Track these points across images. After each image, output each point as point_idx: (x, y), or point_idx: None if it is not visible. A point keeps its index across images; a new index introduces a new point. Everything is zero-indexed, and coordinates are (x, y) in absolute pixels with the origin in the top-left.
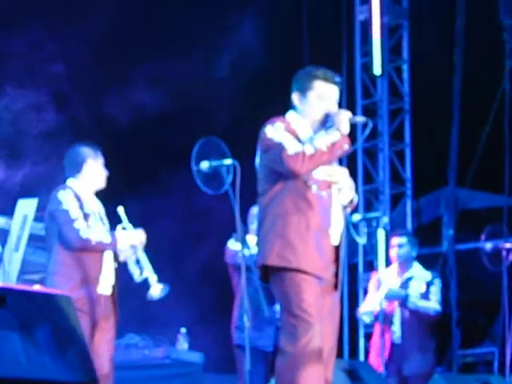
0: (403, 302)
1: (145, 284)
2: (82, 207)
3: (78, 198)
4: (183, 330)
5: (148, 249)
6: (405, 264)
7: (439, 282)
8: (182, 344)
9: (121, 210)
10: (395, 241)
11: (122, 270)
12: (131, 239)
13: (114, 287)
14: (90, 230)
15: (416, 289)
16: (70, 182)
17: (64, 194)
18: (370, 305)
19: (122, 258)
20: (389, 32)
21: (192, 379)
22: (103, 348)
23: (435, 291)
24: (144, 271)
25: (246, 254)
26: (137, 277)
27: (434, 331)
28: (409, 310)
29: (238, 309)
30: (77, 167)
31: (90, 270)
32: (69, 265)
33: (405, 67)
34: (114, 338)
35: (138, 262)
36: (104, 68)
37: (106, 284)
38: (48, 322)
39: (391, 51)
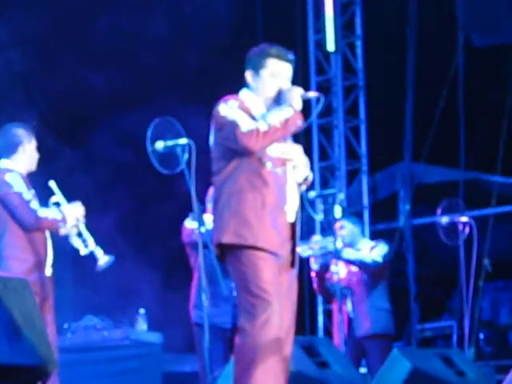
0: (336, 253)
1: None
2: (28, 188)
3: (24, 180)
4: (142, 310)
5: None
6: (352, 243)
7: (384, 245)
8: (141, 325)
9: (53, 183)
10: (336, 225)
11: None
12: (75, 212)
13: (52, 267)
14: (44, 209)
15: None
16: (4, 162)
17: (12, 176)
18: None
19: (63, 232)
20: (341, 8)
21: (152, 359)
22: (49, 329)
23: (377, 249)
24: (89, 244)
25: (203, 231)
26: (82, 250)
27: (385, 292)
28: (345, 264)
29: (195, 287)
30: (12, 148)
31: (41, 253)
32: (22, 248)
33: (358, 43)
34: (54, 319)
35: (80, 235)
36: None
37: (48, 265)
38: (5, 306)
39: (344, 27)
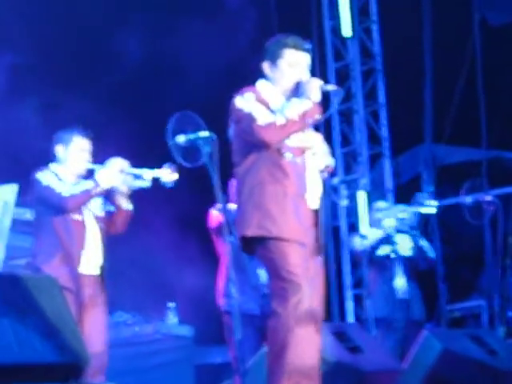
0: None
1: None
2: (60, 179)
3: (56, 175)
4: (172, 304)
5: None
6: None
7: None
8: (172, 318)
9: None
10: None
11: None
12: (113, 167)
13: (102, 268)
14: (69, 187)
15: None
16: (51, 166)
17: (41, 174)
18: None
19: (124, 189)
20: None
21: (183, 353)
22: (94, 328)
23: (371, 235)
24: (145, 178)
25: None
26: (145, 183)
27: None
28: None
29: (223, 275)
30: (54, 152)
31: (71, 248)
32: (49, 243)
33: (374, 27)
34: (105, 318)
35: (137, 177)
36: None
37: (90, 264)
38: (35, 305)
39: (360, 12)
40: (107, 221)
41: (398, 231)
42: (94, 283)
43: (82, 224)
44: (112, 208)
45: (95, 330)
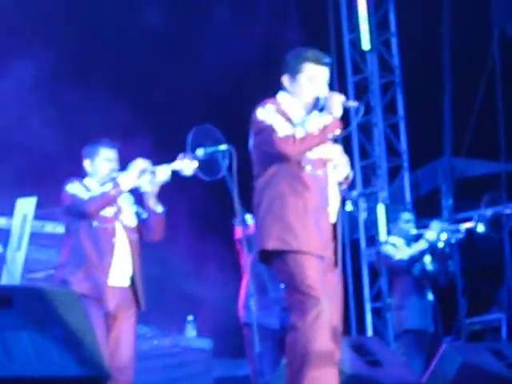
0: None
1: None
2: (88, 190)
3: (85, 186)
4: (190, 317)
5: None
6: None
7: (425, 243)
8: (190, 332)
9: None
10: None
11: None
12: (133, 169)
13: (132, 279)
14: (88, 192)
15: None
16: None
17: (70, 185)
18: None
19: (148, 189)
20: (375, 6)
21: (202, 366)
22: (122, 341)
23: (414, 246)
24: (159, 174)
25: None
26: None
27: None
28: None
29: (245, 287)
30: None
31: (98, 257)
32: (76, 254)
33: (393, 40)
34: (134, 330)
35: (155, 173)
36: None
37: (119, 275)
38: (55, 318)
39: (378, 25)
40: (142, 229)
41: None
42: (123, 295)
43: (110, 233)
44: (145, 215)
45: (123, 343)
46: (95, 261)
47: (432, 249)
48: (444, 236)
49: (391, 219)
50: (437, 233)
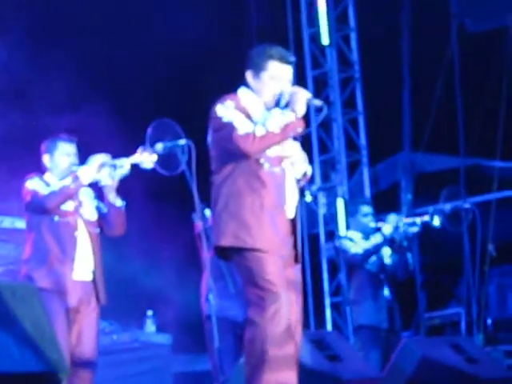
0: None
1: None
2: (48, 185)
3: (45, 182)
4: (150, 312)
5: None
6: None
7: (381, 237)
8: (150, 327)
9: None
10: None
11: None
12: (93, 163)
13: (94, 273)
14: (47, 187)
15: None
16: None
17: (30, 181)
18: None
19: (108, 183)
20: (334, 1)
21: (162, 361)
22: (85, 334)
23: (370, 240)
24: (124, 166)
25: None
26: (125, 170)
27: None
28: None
29: (206, 281)
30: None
31: (61, 251)
32: (39, 249)
33: (352, 35)
34: (97, 324)
35: (115, 166)
36: None
37: (81, 269)
38: (14, 313)
39: (338, 20)
40: (103, 223)
41: (391, 239)
42: (86, 289)
43: (72, 227)
44: (105, 209)
45: (85, 338)
46: (58, 255)
47: (390, 242)
48: (400, 229)
49: (350, 213)
50: (393, 226)
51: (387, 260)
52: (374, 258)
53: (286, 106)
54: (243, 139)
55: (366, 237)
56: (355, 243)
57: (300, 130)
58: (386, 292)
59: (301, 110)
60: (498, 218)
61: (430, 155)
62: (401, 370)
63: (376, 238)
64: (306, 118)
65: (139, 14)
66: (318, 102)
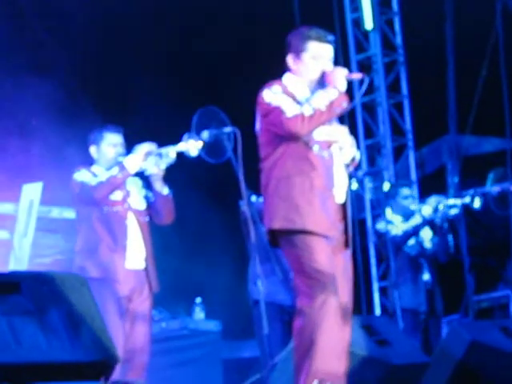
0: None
1: None
2: (95, 176)
3: (92, 173)
4: (198, 299)
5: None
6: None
7: (420, 218)
8: (199, 314)
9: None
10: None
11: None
12: (139, 152)
13: (146, 261)
14: (95, 178)
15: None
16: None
17: (77, 174)
18: None
19: (154, 171)
20: None
21: (211, 348)
22: (138, 322)
23: (409, 222)
24: (169, 154)
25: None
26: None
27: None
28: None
29: (254, 266)
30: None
31: (113, 240)
32: (89, 241)
33: (396, 19)
34: (150, 313)
35: (161, 155)
36: None
37: (134, 258)
38: (63, 303)
39: (381, 4)
40: (151, 212)
41: (431, 221)
42: (138, 277)
43: (122, 216)
44: (153, 198)
45: (138, 326)
46: (110, 245)
47: (430, 224)
48: (440, 211)
49: (390, 195)
50: (432, 207)
51: (427, 244)
52: (412, 242)
53: (327, 86)
54: (292, 121)
55: (407, 219)
56: (395, 226)
57: (345, 105)
58: (427, 276)
59: (342, 85)
60: None
61: (476, 137)
62: (450, 354)
63: (415, 219)
64: (349, 96)
65: None
66: (357, 75)
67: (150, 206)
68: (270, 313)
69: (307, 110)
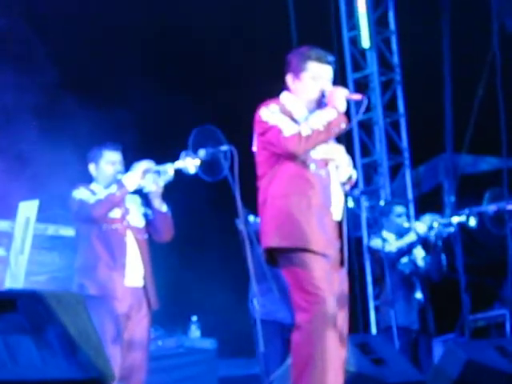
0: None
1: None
2: (94, 194)
3: (91, 191)
4: (194, 317)
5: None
6: None
7: (414, 235)
8: (195, 332)
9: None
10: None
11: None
12: (137, 169)
13: (145, 279)
14: (93, 196)
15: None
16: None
17: (75, 192)
18: None
19: (152, 189)
20: (374, 4)
21: (207, 366)
22: (136, 340)
23: (403, 239)
24: (168, 171)
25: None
26: (170, 175)
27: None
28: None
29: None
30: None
31: (112, 258)
32: (90, 257)
33: (393, 38)
34: (148, 330)
35: (161, 172)
36: None
37: (133, 275)
38: (59, 321)
39: (378, 23)
40: (151, 229)
41: (425, 239)
42: (137, 295)
43: (121, 233)
44: (151, 215)
45: (136, 344)
46: (109, 262)
47: (424, 242)
48: (435, 229)
49: (384, 213)
50: (427, 225)
51: (420, 262)
52: (406, 260)
53: (326, 105)
54: (290, 140)
55: (400, 237)
56: (388, 243)
57: (343, 125)
58: (419, 294)
59: (341, 106)
60: None
61: (473, 156)
62: (445, 373)
63: (410, 237)
64: (348, 115)
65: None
66: (356, 96)
67: (149, 223)
68: (270, 331)
69: (305, 130)
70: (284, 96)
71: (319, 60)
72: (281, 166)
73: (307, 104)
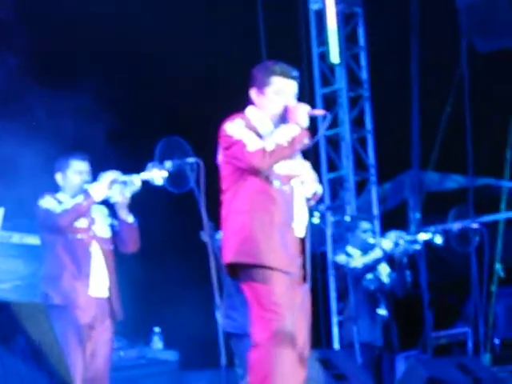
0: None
1: None
2: (60, 203)
3: (57, 200)
4: (157, 329)
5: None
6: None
7: (380, 251)
8: (157, 343)
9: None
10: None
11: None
12: (104, 180)
13: (110, 289)
14: (60, 205)
15: None
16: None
17: (42, 200)
18: None
19: (119, 199)
20: (344, 20)
21: (168, 378)
22: (99, 351)
23: (369, 255)
24: (134, 182)
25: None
26: (135, 186)
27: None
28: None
29: (226, 297)
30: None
31: (77, 268)
32: (54, 267)
33: (362, 54)
34: (112, 341)
35: (128, 183)
36: None
37: (98, 286)
38: (21, 331)
39: (348, 39)
40: (117, 240)
41: (391, 255)
42: (101, 305)
43: (86, 243)
44: (117, 225)
45: (99, 355)
46: (74, 272)
47: (389, 259)
48: (400, 246)
49: (349, 228)
50: (393, 242)
51: (385, 279)
52: (371, 276)
53: (289, 122)
54: (254, 155)
55: (365, 253)
56: (353, 259)
57: (306, 141)
58: (383, 311)
59: (304, 122)
60: (506, 239)
61: (439, 174)
62: None
63: (376, 253)
64: (312, 131)
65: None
66: (320, 112)
67: (115, 234)
68: (241, 344)
69: (269, 145)
70: (249, 110)
71: (283, 75)
72: (244, 182)
73: (272, 118)
